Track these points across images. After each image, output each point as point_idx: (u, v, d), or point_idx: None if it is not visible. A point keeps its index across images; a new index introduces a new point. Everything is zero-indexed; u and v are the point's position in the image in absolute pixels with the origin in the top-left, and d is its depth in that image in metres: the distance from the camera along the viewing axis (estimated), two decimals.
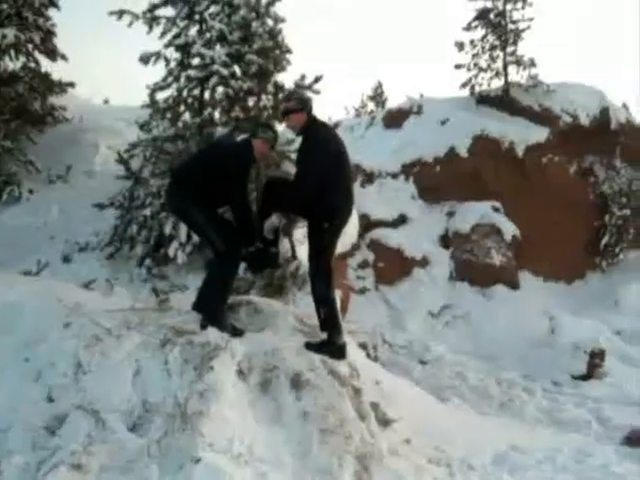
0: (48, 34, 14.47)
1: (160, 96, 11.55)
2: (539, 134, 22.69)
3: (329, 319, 5.79)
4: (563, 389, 14.94)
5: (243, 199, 5.73)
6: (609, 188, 23.05)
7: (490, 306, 19.69)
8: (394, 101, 36.76)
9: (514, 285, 20.84)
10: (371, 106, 37.26)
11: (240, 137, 6.97)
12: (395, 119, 24.85)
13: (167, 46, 11.50)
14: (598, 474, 7.18)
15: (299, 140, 6.29)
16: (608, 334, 17.16)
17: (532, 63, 23.87)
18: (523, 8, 24.19)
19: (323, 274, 5.77)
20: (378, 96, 37.65)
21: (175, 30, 11.56)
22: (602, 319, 17.99)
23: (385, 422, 6.39)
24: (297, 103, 5.91)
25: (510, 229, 21.26)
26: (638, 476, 7.37)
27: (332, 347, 5.74)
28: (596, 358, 15.84)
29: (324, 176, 5.57)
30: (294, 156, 9.79)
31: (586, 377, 15.56)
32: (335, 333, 5.79)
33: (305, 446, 4.83)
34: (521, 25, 24.27)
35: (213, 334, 5.40)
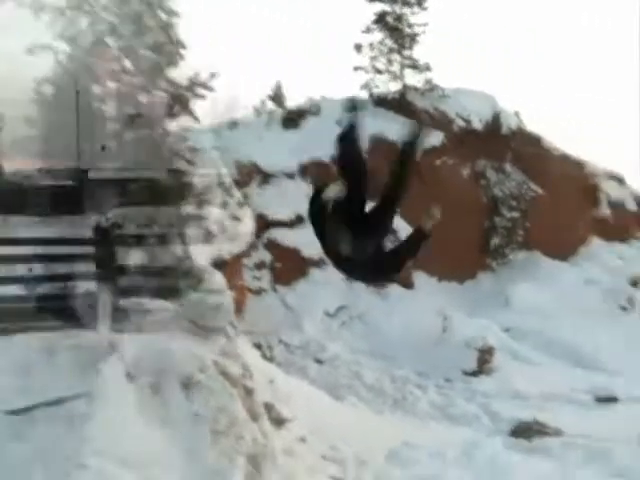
0: None
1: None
2: (434, 138, 23.02)
3: None
4: (455, 385, 15.38)
5: None
6: (500, 191, 23.76)
7: (386, 306, 19.98)
8: (294, 101, 36.66)
9: (409, 285, 21.22)
10: (271, 105, 37.13)
11: None
12: (294, 119, 24.90)
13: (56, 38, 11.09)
14: (486, 465, 7.44)
15: None
16: (497, 332, 17.77)
17: (427, 67, 24.38)
18: (419, 12, 24.67)
19: None
20: (277, 97, 37.58)
21: (64, 21, 11.16)
22: (493, 317, 18.60)
23: (279, 422, 6.39)
24: None
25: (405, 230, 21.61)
26: (523, 464, 7.70)
27: None
28: (485, 355, 16.39)
29: None
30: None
31: (476, 373, 16.07)
32: None
33: (196, 448, 4.76)
34: (417, 29, 24.78)
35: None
